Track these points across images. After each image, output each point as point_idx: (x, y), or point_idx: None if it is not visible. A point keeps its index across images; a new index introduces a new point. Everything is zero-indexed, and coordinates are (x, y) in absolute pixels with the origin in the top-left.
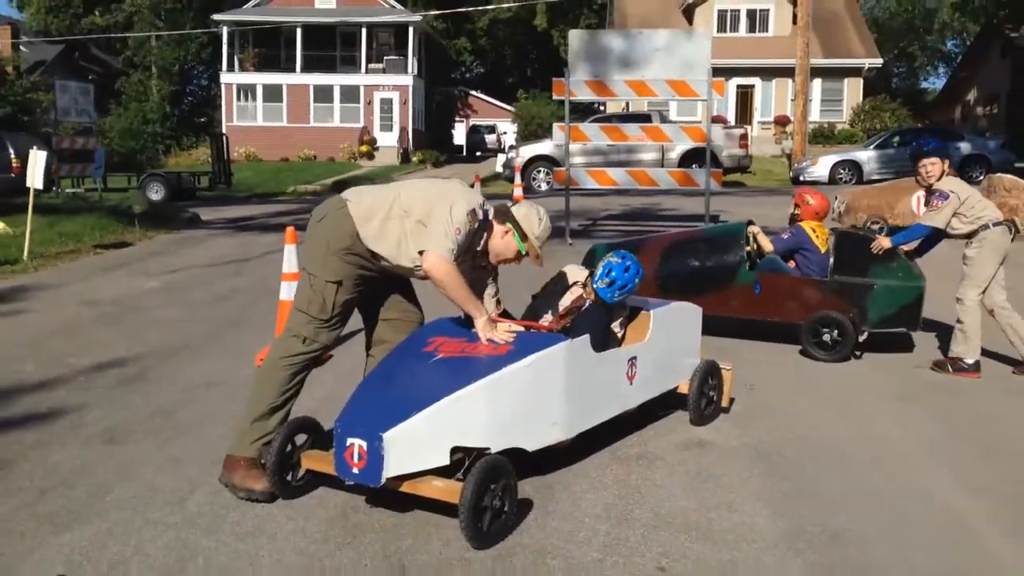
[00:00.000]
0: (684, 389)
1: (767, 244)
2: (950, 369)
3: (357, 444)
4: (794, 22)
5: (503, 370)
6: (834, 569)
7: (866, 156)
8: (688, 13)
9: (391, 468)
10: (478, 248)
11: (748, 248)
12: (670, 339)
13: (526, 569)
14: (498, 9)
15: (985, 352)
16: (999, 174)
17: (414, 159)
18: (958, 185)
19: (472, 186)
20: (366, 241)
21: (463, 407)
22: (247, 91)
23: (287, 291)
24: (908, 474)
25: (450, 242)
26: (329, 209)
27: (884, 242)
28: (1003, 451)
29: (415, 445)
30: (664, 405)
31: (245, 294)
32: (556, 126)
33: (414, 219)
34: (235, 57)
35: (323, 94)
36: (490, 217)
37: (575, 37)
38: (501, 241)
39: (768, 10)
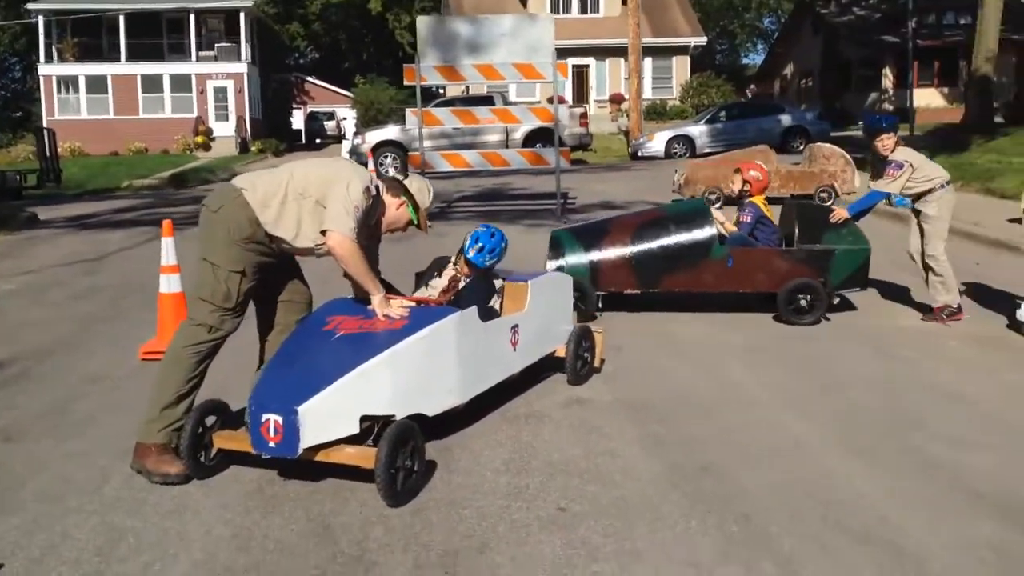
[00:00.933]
0: (561, 353)
1: (731, 227)
2: (944, 317)
3: (273, 419)
4: (623, 3)
5: (401, 343)
6: (706, 495)
7: (698, 131)
8: None
9: (307, 439)
10: (371, 222)
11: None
12: (547, 307)
13: (441, 520)
14: None
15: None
16: (818, 143)
17: (253, 148)
18: (911, 154)
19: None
20: (267, 227)
21: (368, 379)
22: (69, 83)
23: (166, 284)
24: (757, 411)
25: (351, 220)
26: (225, 199)
27: (842, 212)
28: (833, 386)
29: (327, 416)
30: (544, 368)
31: (108, 291)
32: (409, 111)
33: (312, 200)
34: (53, 47)
35: (152, 84)
36: (381, 192)
37: (423, 24)
38: (395, 212)
39: None
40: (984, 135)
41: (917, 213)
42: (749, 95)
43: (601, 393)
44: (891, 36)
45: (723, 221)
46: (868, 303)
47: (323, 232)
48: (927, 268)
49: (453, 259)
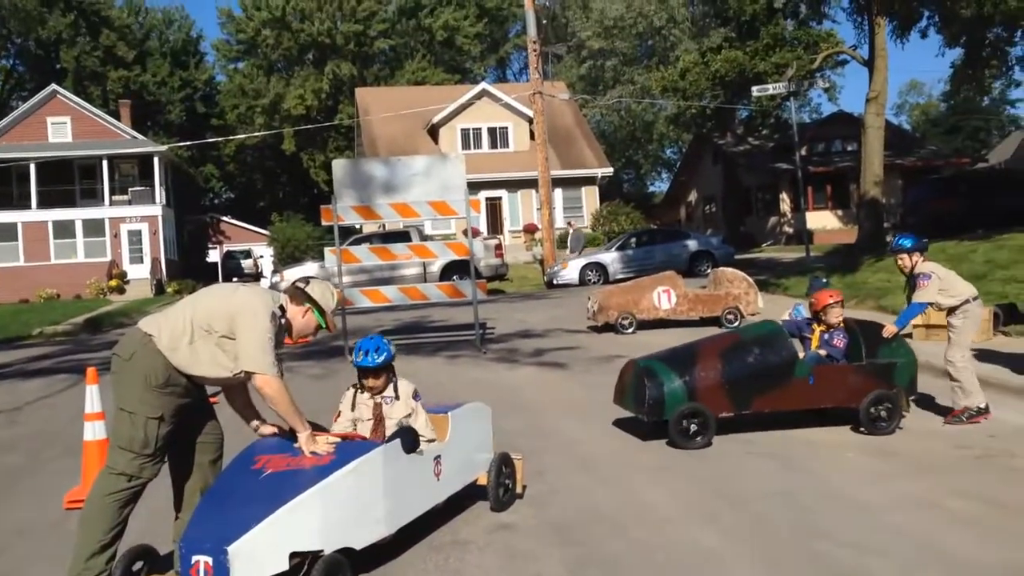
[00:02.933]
0: (483, 481)
1: (821, 351)
2: (964, 419)
3: (203, 560)
4: (532, 138)
5: (329, 477)
6: None
7: (610, 258)
8: (433, 133)
9: None
10: (281, 340)
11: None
12: (467, 437)
13: None
14: (247, 137)
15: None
16: (722, 268)
17: (169, 289)
18: (935, 267)
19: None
20: (181, 368)
21: (297, 514)
22: None
23: (91, 431)
24: (671, 528)
25: (269, 356)
26: (136, 346)
27: (892, 328)
28: (739, 500)
29: (257, 555)
30: (467, 496)
31: (29, 441)
32: (327, 250)
33: (218, 335)
34: None
35: (64, 230)
36: (286, 305)
37: (339, 166)
38: (302, 321)
39: (507, 127)
40: (874, 255)
41: (949, 325)
42: (655, 224)
43: (525, 517)
44: (785, 164)
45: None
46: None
47: (248, 374)
48: (947, 373)
49: (358, 389)
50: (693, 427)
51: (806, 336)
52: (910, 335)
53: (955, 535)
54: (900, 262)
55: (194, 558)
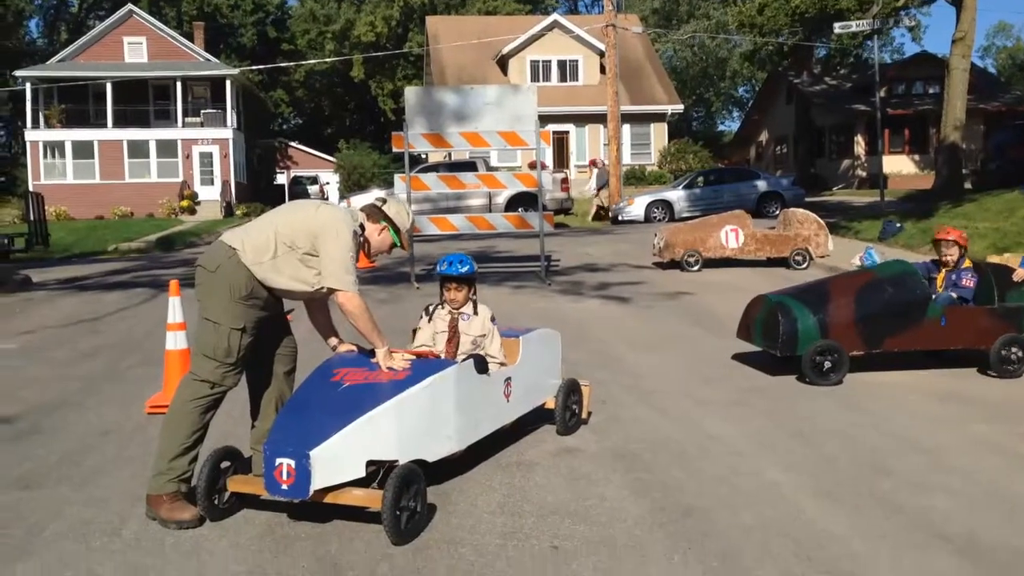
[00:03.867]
0: (551, 405)
1: (953, 293)
2: None
3: (286, 463)
4: (602, 72)
5: (405, 392)
6: (688, 534)
7: (676, 196)
8: (502, 64)
9: (317, 482)
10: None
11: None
12: (537, 361)
13: (441, 557)
14: (317, 63)
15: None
16: (792, 208)
17: (238, 212)
18: None
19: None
20: (265, 282)
21: (374, 426)
22: (55, 148)
23: (172, 341)
24: (734, 459)
25: (351, 274)
26: (221, 259)
27: (1022, 272)
28: (803, 437)
29: (336, 461)
30: (534, 419)
31: (110, 350)
32: (397, 176)
33: (302, 251)
34: (40, 113)
35: (138, 149)
36: (364, 223)
37: (412, 93)
38: (378, 239)
39: (577, 61)
40: (951, 201)
41: None
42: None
43: (589, 443)
44: (862, 105)
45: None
46: None
47: (330, 290)
48: None
49: (438, 304)
50: (827, 364)
51: (932, 278)
52: None
53: (1021, 477)
54: None
55: (278, 460)
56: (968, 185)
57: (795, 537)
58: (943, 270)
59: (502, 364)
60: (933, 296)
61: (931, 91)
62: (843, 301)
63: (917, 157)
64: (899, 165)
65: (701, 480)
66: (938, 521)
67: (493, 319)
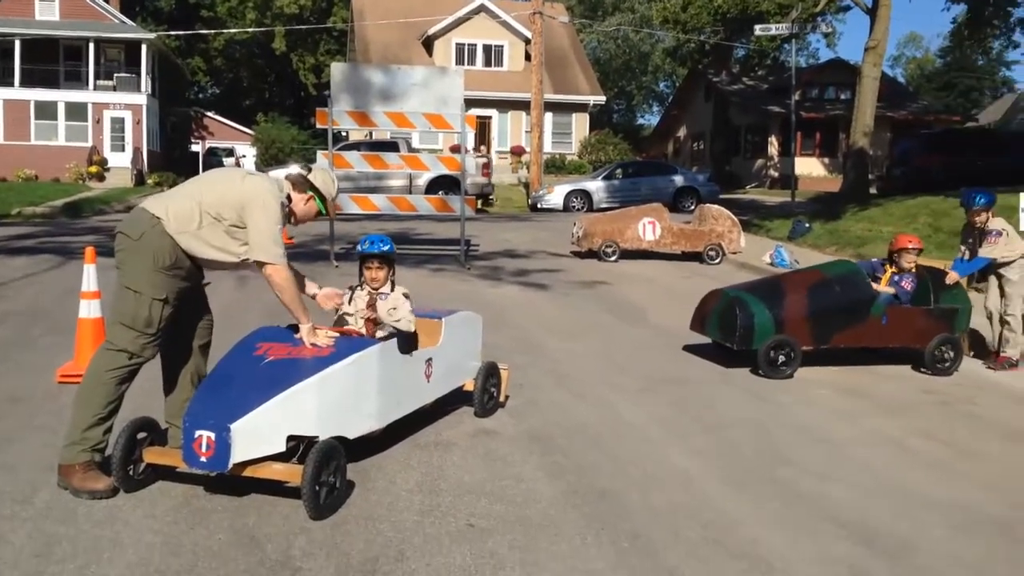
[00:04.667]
0: (470, 387)
1: (890, 289)
2: (1007, 366)
3: (205, 435)
4: (527, 59)
5: (328, 368)
6: (601, 515)
7: (595, 186)
8: (428, 44)
9: (237, 455)
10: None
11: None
12: (459, 344)
13: (360, 532)
14: (237, 33)
15: (710, 348)
16: (708, 204)
17: (149, 181)
18: (1005, 224)
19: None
20: (189, 251)
21: (296, 401)
22: None
23: (86, 309)
24: (646, 445)
25: (280, 246)
26: (144, 227)
27: (954, 275)
28: (712, 425)
29: (257, 434)
30: (453, 401)
31: (18, 317)
32: (320, 153)
33: (227, 223)
34: None
35: (46, 111)
36: (290, 192)
37: (338, 69)
38: (304, 207)
39: (503, 46)
40: (858, 204)
41: (999, 277)
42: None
43: (506, 426)
44: (777, 106)
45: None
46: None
47: (259, 264)
48: (1003, 323)
49: (358, 285)
50: (781, 358)
51: (877, 276)
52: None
53: (913, 472)
54: (977, 217)
55: (197, 432)
56: (873, 190)
57: (702, 521)
58: (888, 271)
59: (396, 323)
60: (876, 295)
61: (843, 97)
62: (796, 298)
63: (827, 160)
64: (810, 167)
65: (614, 464)
66: (834, 509)
67: (407, 295)
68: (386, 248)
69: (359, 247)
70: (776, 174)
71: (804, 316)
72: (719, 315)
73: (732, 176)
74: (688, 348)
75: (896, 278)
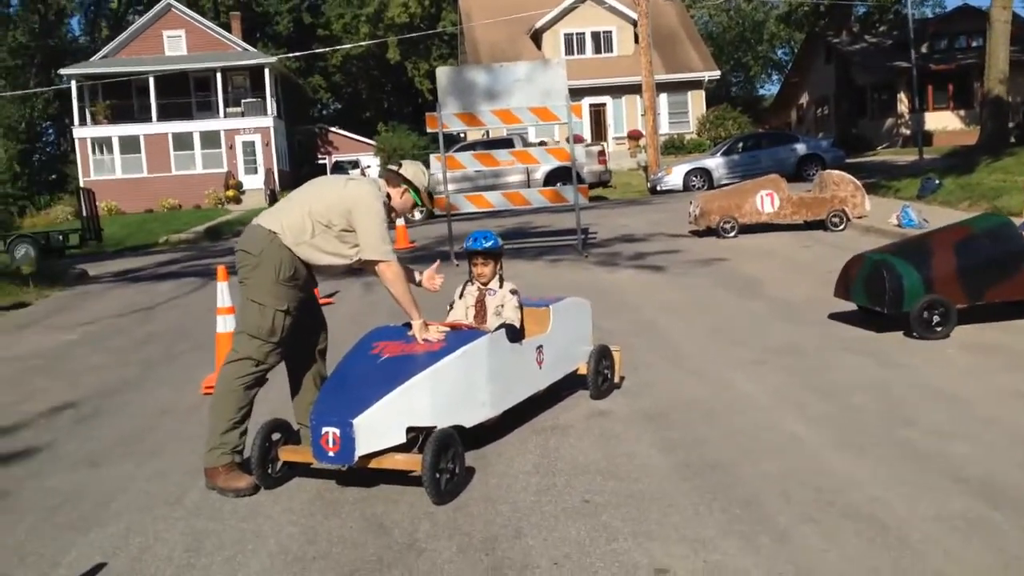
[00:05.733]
0: (583, 370)
1: None
2: None
3: (331, 432)
4: (636, 41)
5: (440, 362)
6: (713, 486)
7: (714, 163)
8: (536, 38)
9: (361, 448)
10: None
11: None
12: (567, 329)
13: (480, 513)
14: (352, 47)
15: (831, 316)
16: (828, 170)
17: (281, 199)
18: None
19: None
20: (307, 260)
21: (412, 394)
22: (102, 144)
23: (223, 324)
24: (760, 415)
25: (388, 243)
26: (263, 243)
27: None
28: (830, 392)
29: (378, 428)
30: (567, 385)
31: (163, 336)
32: (432, 157)
33: (338, 229)
34: (86, 110)
35: (183, 141)
36: (388, 193)
37: (443, 74)
38: (400, 200)
39: (611, 31)
40: (992, 156)
41: None
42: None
43: (620, 405)
44: (903, 62)
45: None
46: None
47: (371, 262)
48: None
49: (468, 281)
50: (935, 318)
51: None
52: None
53: None
54: None
55: (324, 429)
56: (1013, 139)
57: (816, 485)
58: None
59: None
60: None
61: (974, 44)
62: (943, 256)
63: (962, 112)
64: (944, 121)
65: (728, 436)
66: (956, 466)
67: (515, 291)
68: (489, 244)
69: (465, 245)
70: (908, 132)
71: (954, 273)
72: (864, 280)
73: (860, 139)
74: (807, 319)
75: None
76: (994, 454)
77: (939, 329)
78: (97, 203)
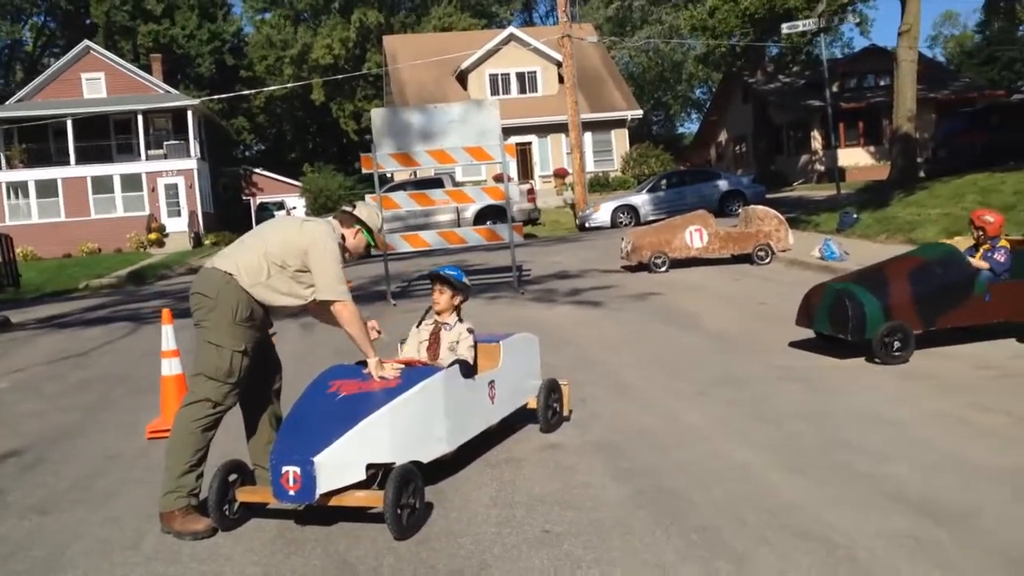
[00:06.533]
0: (533, 405)
1: (984, 264)
2: None
3: (291, 470)
4: (560, 81)
5: (398, 398)
6: (668, 512)
7: (640, 200)
8: (462, 79)
9: (322, 486)
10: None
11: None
12: (518, 364)
13: (443, 547)
14: (276, 89)
15: (765, 347)
16: (753, 206)
17: (206, 242)
18: None
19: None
20: (263, 301)
21: (371, 431)
22: (18, 188)
23: (168, 367)
24: (707, 444)
25: (343, 284)
26: (219, 284)
27: None
28: (771, 420)
29: (338, 466)
30: (519, 419)
31: (99, 382)
32: (368, 197)
33: (293, 269)
34: (1, 155)
35: (102, 185)
36: (343, 234)
37: (378, 115)
38: (354, 241)
39: (535, 72)
40: (904, 190)
41: None
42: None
43: (571, 438)
44: (816, 101)
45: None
46: (804, 348)
47: (327, 302)
48: None
49: (422, 317)
50: (896, 343)
51: (971, 255)
52: None
53: (974, 444)
54: None
55: (284, 468)
56: (922, 173)
57: (766, 508)
58: (980, 249)
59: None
60: (977, 273)
61: (882, 83)
62: (900, 283)
63: (873, 148)
64: (856, 157)
65: (677, 464)
66: (897, 486)
67: (471, 330)
68: (453, 274)
69: (432, 269)
70: (822, 168)
71: (910, 300)
72: (828, 309)
73: (778, 175)
74: (742, 350)
75: (989, 253)
76: (930, 474)
77: (899, 354)
78: (14, 248)
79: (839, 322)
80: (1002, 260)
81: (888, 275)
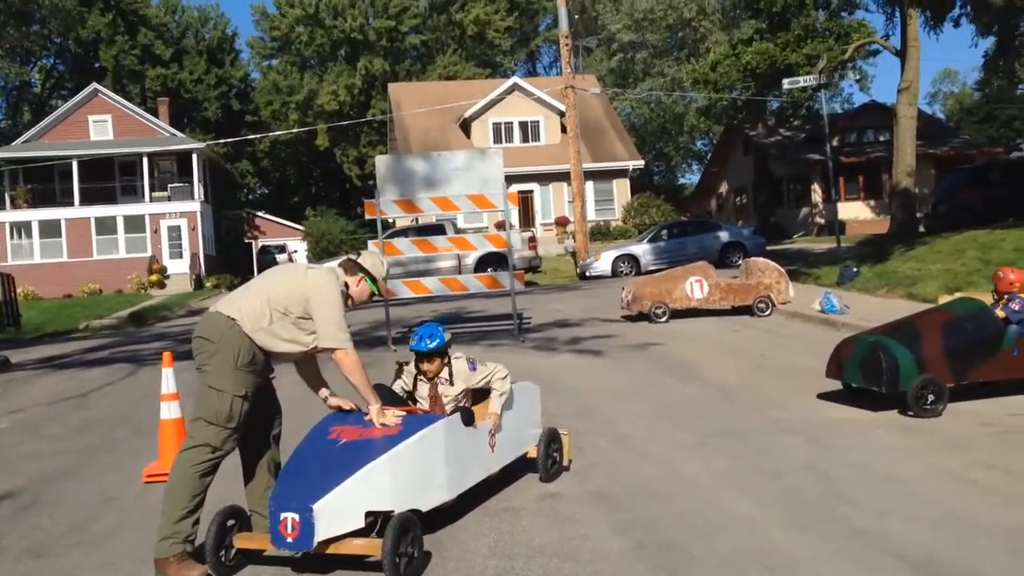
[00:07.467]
0: (533, 454)
1: (1002, 314)
2: None
3: (290, 517)
4: (563, 131)
5: (399, 445)
6: (668, 566)
7: (641, 249)
8: (465, 127)
9: (320, 533)
10: None
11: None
12: (518, 412)
13: None
14: (282, 134)
15: (765, 399)
16: (753, 258)
17: (207, 284)
18: None
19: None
20: (264, 347)
21: (371, 478)
22: (22, 228)
23: (167, 411)
24: (707, 496)
25: (346, 332)
26: (222, 329)
27: None
28: (771, 473)
29: (337, 513)
30: (519, 468)
31: (100, 423)
32: (371, 243)
33: (295, 316)
34: (6, 194)
35: (105, 226)
36: (346, 282)
37: (382, 162)
38: (358, 289)
39: (538, 121)
40: (904, 245)
41: None
42: (686, 216)
43: (571, 487)
44: (816, 154)
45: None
46: (805, 401)
47: (329, 350)
48: None
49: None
50: (930, 397)
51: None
52: None
53: (977, 502)
54: None
55: (282, 515)
56: (922, 228)
57: (767, 564)
58: (1000, 303)
59: (504, 378)
60: (1006, 330)
61: (882, 138)
62: (932, 337)
63: (872, 203)
64: (855, 211)
65: (678, 516)
66: (897, 543)
67: (472, 365)
68: (434, 344)
69: (411, 344)
70: (822, 221)
71: (942, 354)
72: (860, 361)
73: (777, 227)
74: (743, 402)
75: (1011, 305)
76: (930, 530)
77: (934, 407)
78: (16, 288)
79: (872, 375)
80: (1017, 308)
81: (920, 328)
